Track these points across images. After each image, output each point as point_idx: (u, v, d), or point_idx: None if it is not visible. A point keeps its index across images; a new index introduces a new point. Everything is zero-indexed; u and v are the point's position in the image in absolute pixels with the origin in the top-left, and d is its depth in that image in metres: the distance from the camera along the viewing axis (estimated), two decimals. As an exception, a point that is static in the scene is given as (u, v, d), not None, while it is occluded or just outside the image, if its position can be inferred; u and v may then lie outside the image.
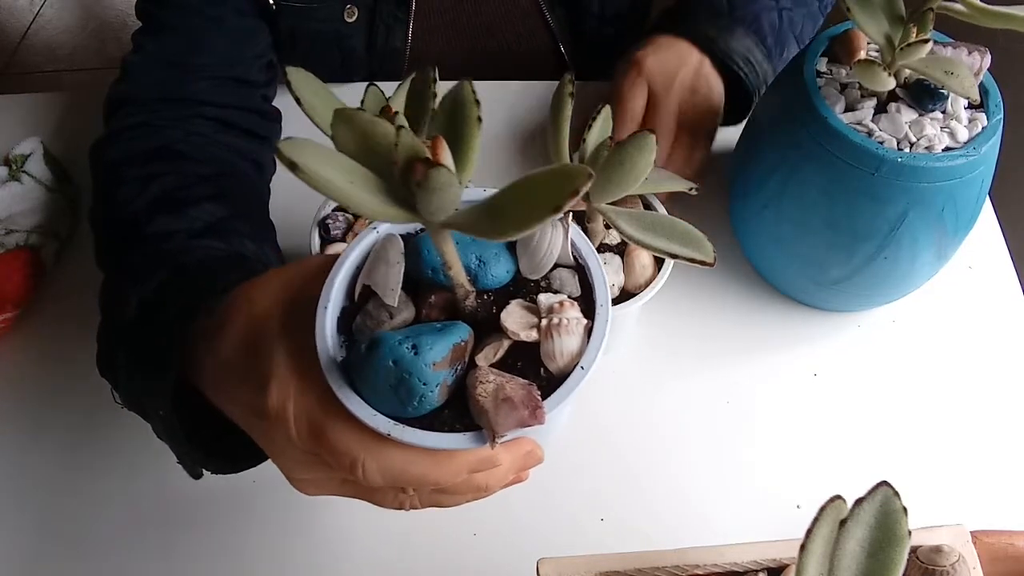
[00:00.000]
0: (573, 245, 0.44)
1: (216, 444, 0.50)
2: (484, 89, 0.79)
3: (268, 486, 0.59)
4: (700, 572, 0.45)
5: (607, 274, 0.56)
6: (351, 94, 0.53)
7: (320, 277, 0.43)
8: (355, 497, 0.44)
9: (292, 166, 0.32)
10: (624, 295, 0.57)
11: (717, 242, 0.50)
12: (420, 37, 0.80)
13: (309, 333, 0.41)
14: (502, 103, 0.80)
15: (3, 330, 0.66)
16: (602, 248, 0.58)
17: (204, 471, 0.52)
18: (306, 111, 0.52)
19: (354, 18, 0.77)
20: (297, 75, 0.52)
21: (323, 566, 0.57)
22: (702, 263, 0.50)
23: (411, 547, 0.58)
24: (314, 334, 0.41)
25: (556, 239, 0.43)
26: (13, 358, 0.66)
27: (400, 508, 0.44)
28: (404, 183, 0.35)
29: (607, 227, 0.58)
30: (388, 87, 0.50)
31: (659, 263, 0.58)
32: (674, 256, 0.50)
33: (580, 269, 0.44)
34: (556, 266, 0.44)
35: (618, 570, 0.44)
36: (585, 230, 0.58)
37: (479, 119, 0.37)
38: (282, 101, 0.74)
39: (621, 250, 0.58)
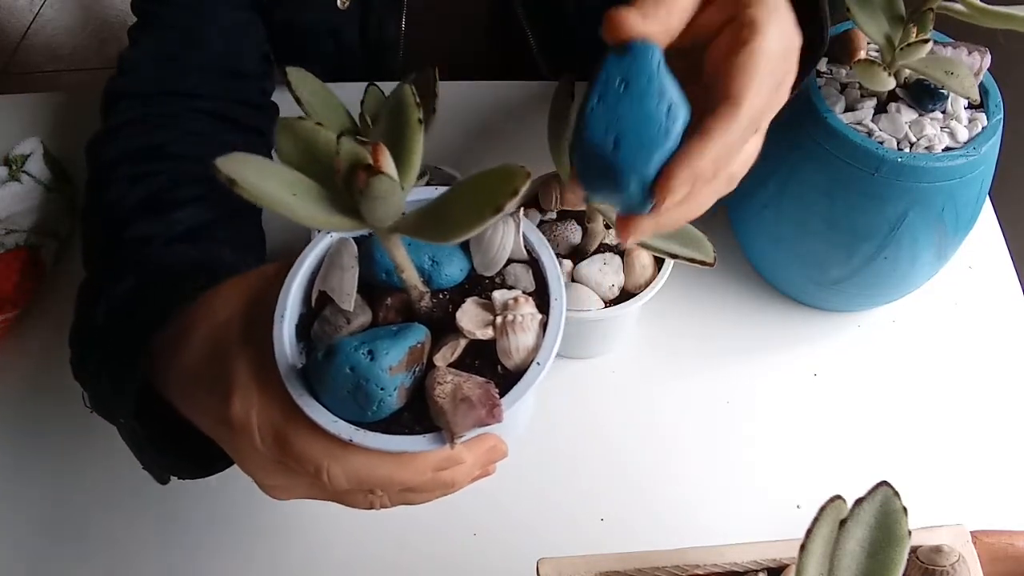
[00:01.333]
0: (525, 239, 0.44)
1: (182, 449, 0.50)
2: (483, 88, 0.80)
3: (268, 486, 0.59)
4: (700, 572, 0.45)
5: (607, 274, 0.57)
6: (350, 93, 0.53)
7: (277, 283, 0.43)
8: (325, 499, 0.45)
9: (231, 182, 0.32)
10: (624, 295, 0.57)
11: (717, 242, 0.50)
12: (413, 27, 0.80)
13: (270, 341, 0.41)
14: (501, 102, 0.80)
15: (3, 330, 0.66)
16: (602, 248, 0.58)
17: (171, 477, 0.52)
18: (306, 110, 0.52)
19: (346, 6, 0.77)
20: (297, 75, 0.52)
21: (323, 566, 0.57)
22: (702, 263, 0.50)
23: (411, 547, 0.58)
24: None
25: (508, 235, 0.43)
26: (13, 358, 0.66)
27: (371, 508, 0.44)
28: (348, 190, 0.35)
29: (607, 227, 0.58)
30: (387, 87, 0.51)
31: (659, 263, 0.58)
32: (674, 256, 0.50)
33: (534, 263, 0.44)
34: (510, 261, 0.44)
35: (618, 570, 0.44)
36: (585, 230, 0.58)
37: (420, 121, 0.37)
38: (281, 100, 0.74)
39: (621, 250, 0.58)
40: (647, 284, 0.57)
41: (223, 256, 0.57)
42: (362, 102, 0.52)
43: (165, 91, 0.66)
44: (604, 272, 0.57)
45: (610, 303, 0.57)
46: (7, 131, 0.78)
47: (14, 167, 0.73)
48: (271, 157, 0.74)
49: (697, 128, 0.38)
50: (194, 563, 0.57)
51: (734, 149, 0.39)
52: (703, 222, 0.50)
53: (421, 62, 0.52)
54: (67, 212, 0.73)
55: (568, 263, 0.57)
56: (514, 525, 0.58)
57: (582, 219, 0.58)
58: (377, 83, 0.55)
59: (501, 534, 0.58)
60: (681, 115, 0.38)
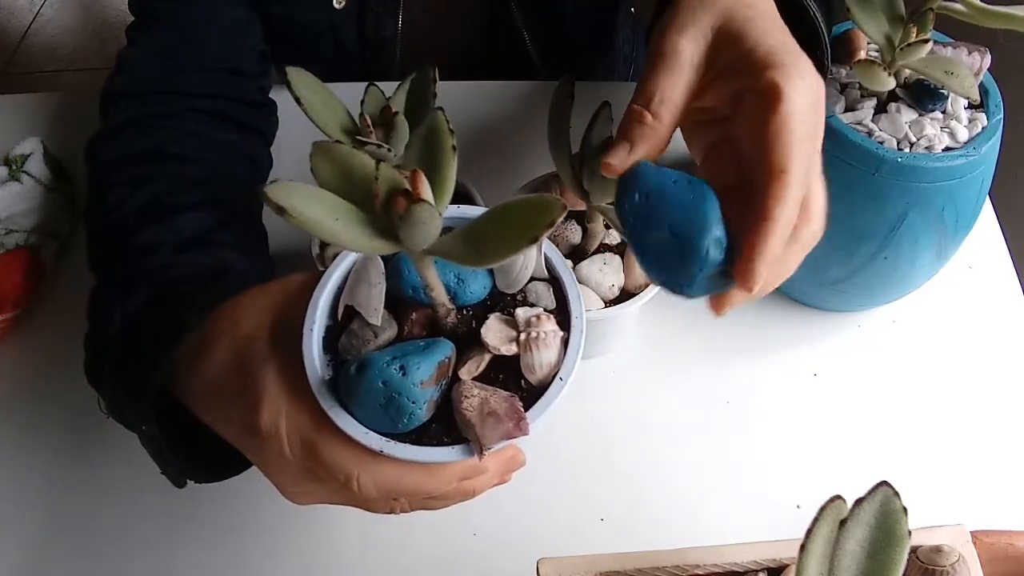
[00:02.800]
0: (546, 259, 0.46)
1: (199, 453, 0.50)
2: (482, 88, 0.80)
3: (268, 486, 0.58)
4: (700, 572, 0.45)
5: (607, 274, 0.57)
6: (350, 93, 0.53)
7: (302, 296, 0.44)
8: (346, 504, 0.45)
9: (280, 210, 0.33)
10: (624, 295, 0.57)
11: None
12: (411, 27, 0.80)
13: (295, 352, 0.42)
14: (501, 102, 0.80)
15: (3, 330, 0.66)
16: (602, 248, 0.58)
17: (188, 481, 0.53)
18: (306, 110, 0.52)
19: (343, 5, 0.77)
20: (297, 75, 0.52)
21: (323, 565, 0.57)
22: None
23: (411, 547, 0.58)
24: (301, 354, 0.42)
25: (531, 255, 0.45)
26: (13, 358, 0.66)
27: (391, 513, 0.45)
28: (386, 214, 0.36)
29: (607, 227, 0.58)
30: (388, 87, 0.51)
31: (659, 263, 0.58)
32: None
33: (554, 281, 0.46)
34: (531, 279, 0.45)
35: (618, 570, 0.44)
36: (585, 230, 0.58)
37: (454, 148, 0.38)
38: (280, 99, 0.74)
39: (621, 250, 0.58)
40: (647, 284, 0.57)
41: (233, 262, 0.57)
42: (362, 102, 0.52)
43: (164, 90, 0.66)
44: (604, 272, 0.56)
45: (610, 303, 0.57)
46: (7, 131, 0.78)
47: (14, 167, 0.73)
48: (269, 154, 0.75)
49: (754, 211, 0.39)
50: (194, 562, 0.57)
51: (794, 216, 0.40)
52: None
53: (419, 61, 0.52)
54: (67, 212, 0.73)
55: (568, 263, 0.57)
56: (514, 525, 0.58)
57: (582, 219, 0.58)
58: (377, 83, 0.55)
59: (501, 534, 0.58)
60: (695, 182, 0.40)
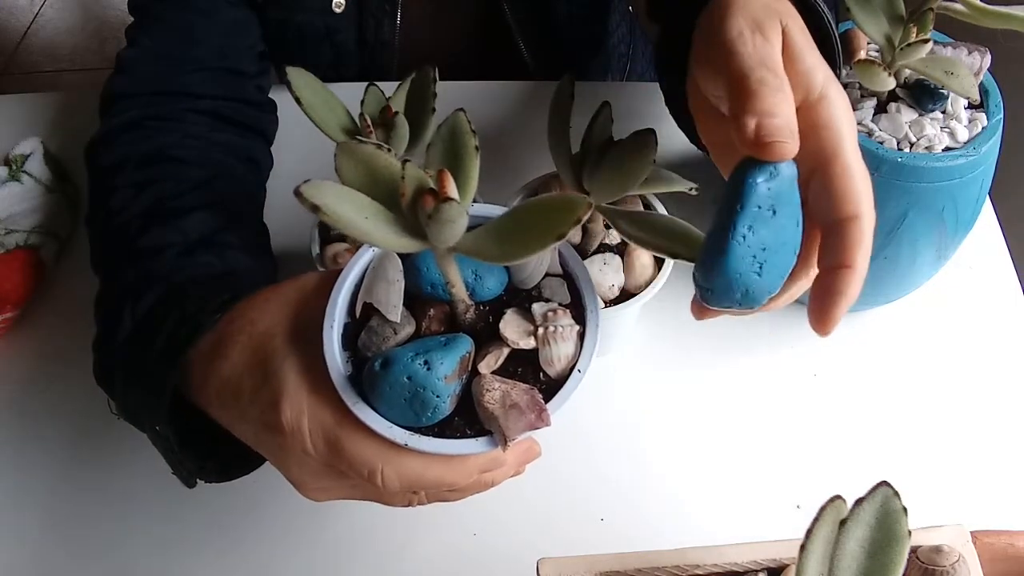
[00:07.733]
0: (560, 255, 0.46)
1: (210, 453, 0.51)
2: (481, 88, 0.80)
3: (269, 486, 0.59)
4: (700, 572, 0.45)
5: (607, 274, 0.57)
6: (349, 93, 0.53)
7: (318, 294, 0.45)
8: (364, 499, 0.46)
9: (314, 208, 0.34)
10: (624, 295, 0.57)
11: (717, 242, 0.50)
12: (408, 29, 0.81)
13: (314, 349, 0.43)
14: (500, 102, 0.80)
15: (3, 330, 0.66)
16: (602, 248, 0.58)
17: (198, 480, 0.53)
18: (306, 111, 0.53)
19: (342, 9, 0.77)
20: (297, 75, 0.52)
21: (324, 566, 0.57)
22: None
23: (411, 547, 0.58)
24: (320, 351, 0.43)
25: (547, 251, 0.45)
26: (13, 358, 0.66)
27: (408, 506, 0.46)
28: (412, 213, 0.37)
29: (607, 227, 0.58)
30: (387, 87, 0.51)
31: (659, 263, 0.58)
32: (674, 256, 0.50)
33: (568, 277, 0.46)
34: (546, 275, 0.46)
35: (618, 570, 0.44)
36: (585, 230, 0.58)
37: (477, 148, 0.39)
38: (281, 99, 0.74)
39: (621, 250, 0.58)
40: (647, 284, 0.57)
41: (239, 262, 0.57)
42: (362, 102, 0.53)
43: (164, 91, 0.66)
44: (604, 272, 0.56)
45: (610, 303, 0.57)
46: (7, 131, 0.78)
47: (14, 167, 0.73)
48: (270, 154, 0.75)
49: (835, 255, 0.39)
50: (194, 562, 0.57)
51: (868, 255, 0.40)
52: (703, 222, 0.50)
53: (416, 64, 0.52)
54: (67, 212, 0.73)
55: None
56: (514, 525, 0.58)
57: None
58: (376, 83, 0.55)
59: (501, 534, 0.58)
60: (804, 225, 0.40)
